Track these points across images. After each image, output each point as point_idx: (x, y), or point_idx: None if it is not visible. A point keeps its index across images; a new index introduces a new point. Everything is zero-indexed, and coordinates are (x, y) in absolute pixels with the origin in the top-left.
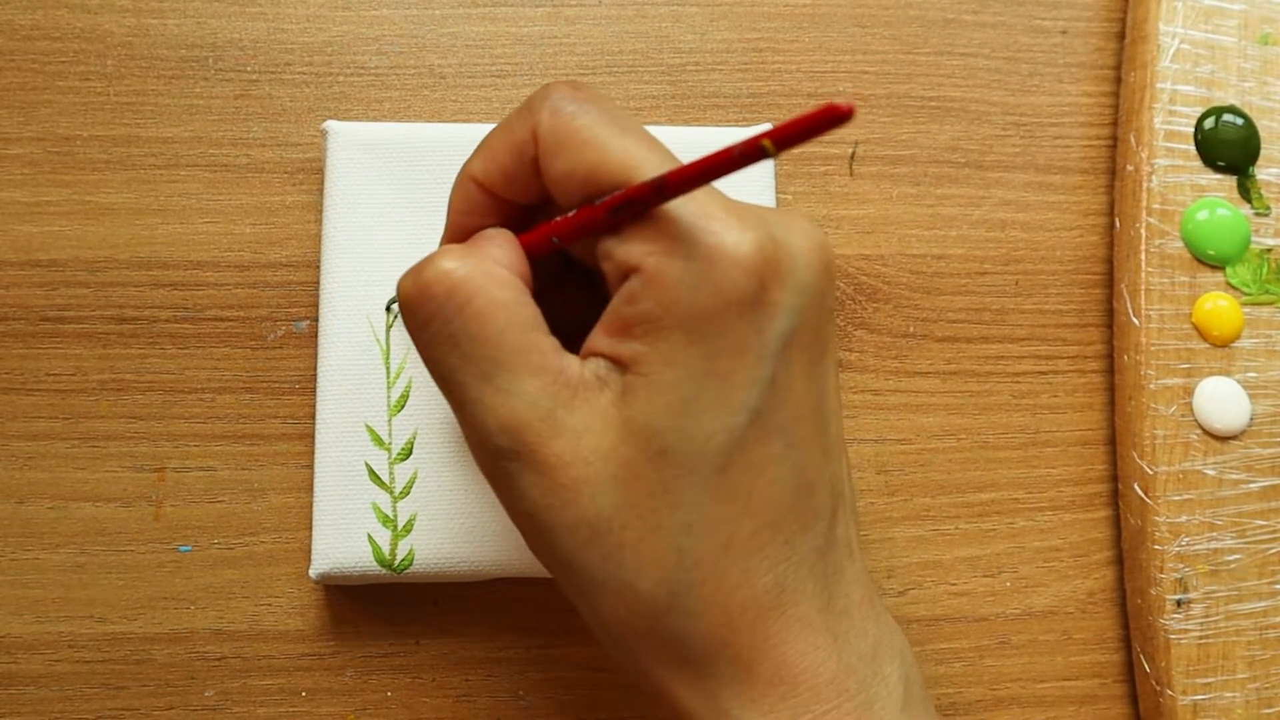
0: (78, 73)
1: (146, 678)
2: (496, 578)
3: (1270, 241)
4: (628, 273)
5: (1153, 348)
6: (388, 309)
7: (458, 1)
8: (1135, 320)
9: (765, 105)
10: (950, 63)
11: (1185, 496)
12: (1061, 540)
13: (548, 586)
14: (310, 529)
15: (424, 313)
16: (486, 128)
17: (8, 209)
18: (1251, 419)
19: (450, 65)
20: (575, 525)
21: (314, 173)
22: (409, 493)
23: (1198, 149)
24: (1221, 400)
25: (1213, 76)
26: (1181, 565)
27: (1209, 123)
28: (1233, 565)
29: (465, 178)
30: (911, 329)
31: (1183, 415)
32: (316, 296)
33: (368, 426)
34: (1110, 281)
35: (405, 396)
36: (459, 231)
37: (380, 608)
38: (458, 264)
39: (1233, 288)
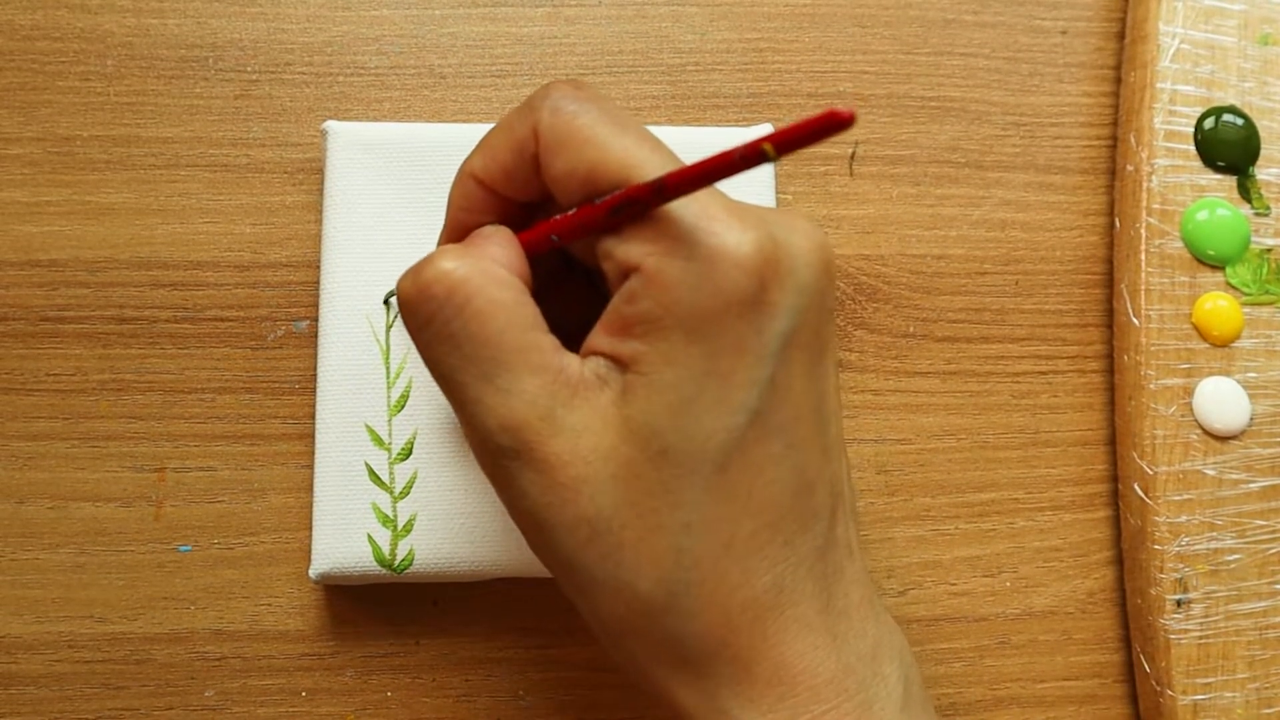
0: (78, 73)
1: (146, 678)
2: (496, 578)
3: (1270, 241)
4: (628, 272)
5: (1153, 348)
6: (385, 303)
7: (458, 1)
8: (1135, 320)
9: (765, 105)
10: (950, 63)
11: (1185, 496)
12: (1061, 540)
13: (548, 586)
14: (310, 529)
15: (424, 313)
16: (486, 128)
17: (8, 209)
18: (1251, 419)
19: (450, 65)
20: (575, 524)
21: (314, 173)
22: (409, 493)
23: (1198, 149)
24: (1221, 400)
25: (1213, 76)
26: (1181, 565)
27: (1209, 123)
28: (1233, 565)
29: (465, 174)
30: (911, 329)
31: (1183, 415)
32: (316, 296)
33: (368, 426)
34: (1110, 281)
35: (405, 396)
36: (458, 228)
37: (380, 608)
38: (457, 264)
39: (1233, 288)
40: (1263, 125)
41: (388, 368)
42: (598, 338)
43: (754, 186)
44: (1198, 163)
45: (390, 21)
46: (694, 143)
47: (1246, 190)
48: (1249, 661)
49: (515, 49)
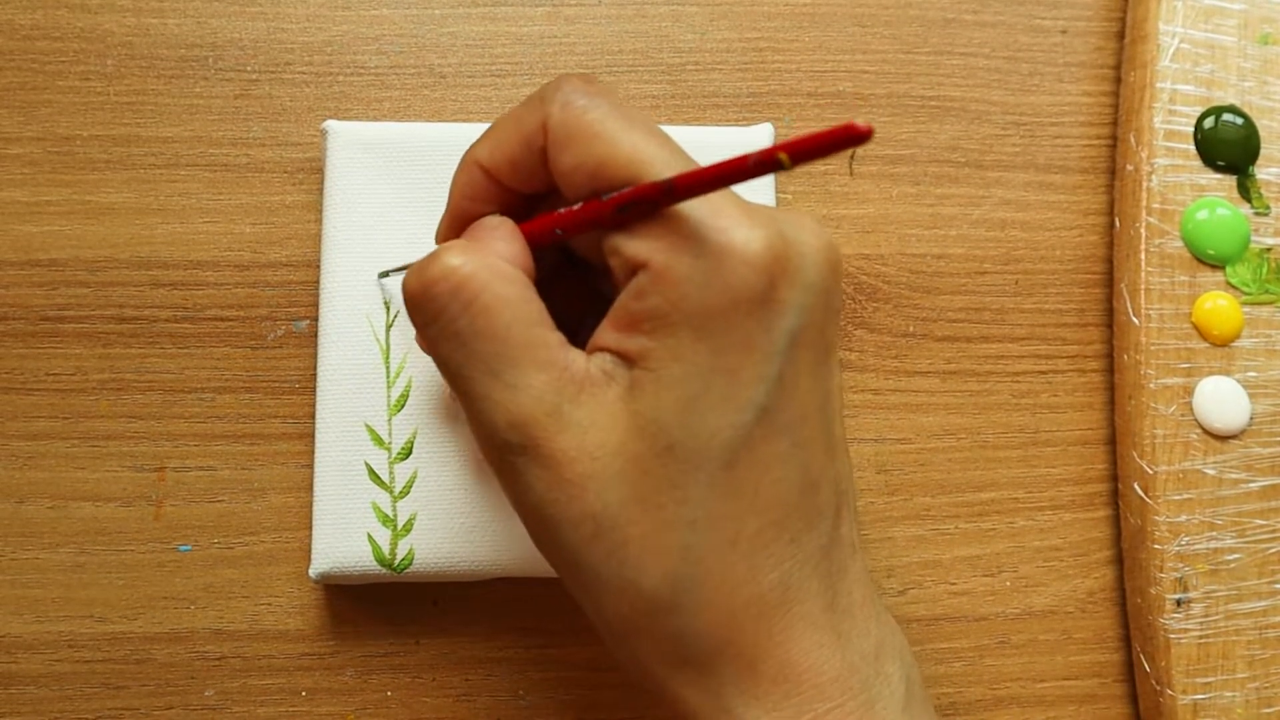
0: (78, 73)
1: (146, 678)
2: (496, 578)
3: (1270, 241)
4: (635, 268)
5: (1153, 347)
6: (381, 277)
7: (458, 1)
8: (1135, 320)
9: (765, 105)
10: (950, 63)
11: (1185, 496)
12: (1061, 540)
13: (548, 586)
14: (310, 529)
15: (430, 310)
16: (486, 127)
17: (8, 209)
18: (1251, 419)
19: (450, 65)
20: (580, 520)
21: (314, 173)
22: (409, 492)
23: (1198, 149)
24: (1221, 400)
25: (1213, 76)
26: (1181, 565)
27: (1209, 122)
28: (1233, 565)
29: (470, 163)
30: (911, 329)
31: (1183, 415)
32: (316, 296)
33: (368, 426)
34: (1110, 281)
35: (405, 396)
36: (460, 216)
37: (380, 608)
38: (463, 260)
39: (1233, 287)
40: (1263, 125)
41: (388, 367)
42: (604, 333)
43: (753, 186)
44: (1197, 162)
45: (390, 21)
46: (694, 142)
47: (1246, 190)
48: (1249, 661)
49: (515, 49)
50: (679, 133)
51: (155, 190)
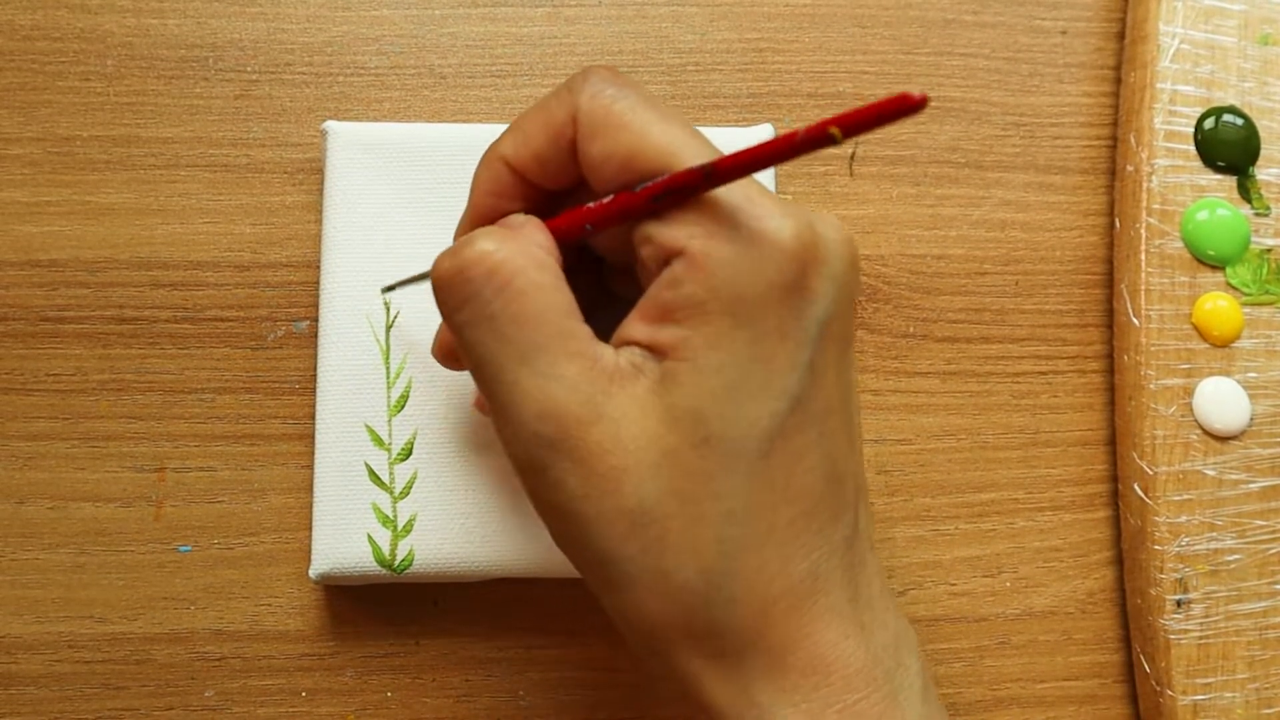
0: (78, 73)
1: (146, 678)
2: (496, 578)
3: (1270, 241)
4: (669, 257)
5: (1153, 348)
6: (384, 292)
7: (458, 1)
8: (1135, 320)
9: (765, 105)
10: (950, 63)
11: (1185, 496)
12: (1061, 540)
13: (548, 586)
14: (310, 529)
15: (462, 293)
16: (487, 127)
17: (8, 209)
18: (1251, 419)
19: (450, 65)
20: (615, 516)
21: (314, 173)
22: (409, 493)
23: (1198, 149)
24: (1221, 400)
25: (1213, 76)
26: (1181, 565)
27: (1209, 123)
28: (1233, 565)
29: (494, 158)
30: (911, 329)
31: (1183, 415)
32: (316, 296)
33: (368, 426)
34: (1110, 281)
35: (405, 396)
36: (483, 213)
37: (380, 608)
38: (498, 245)
39: (1233, 288)
40: (1263, 125)
41: (388, 368)
42: (632, 326)
43: None
44: (1198, 163)
45: (390, 21)
46: None
47: (1246, 190)
48: (1249, 661)
49: (515, 49)
50: None
51: (155, 190)
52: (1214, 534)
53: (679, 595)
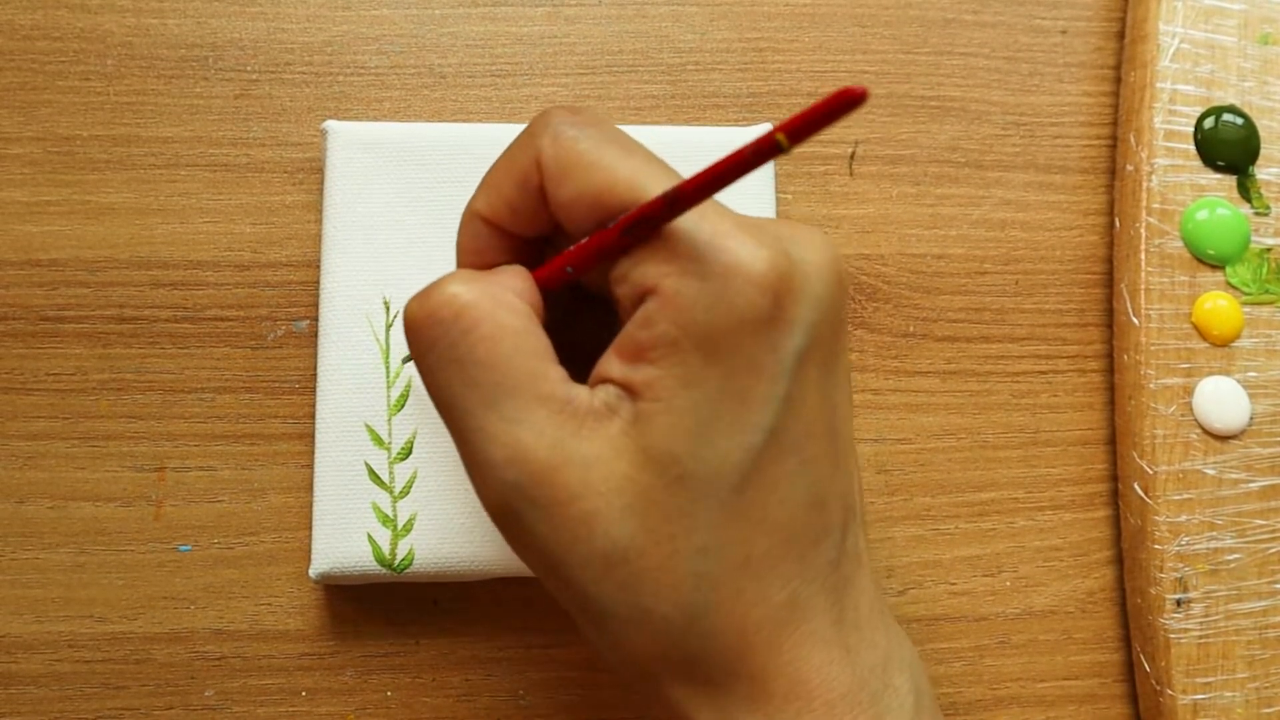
0: (78, 73)
1: (146, 678)
2: (496, 578)
3: (1270, 241)
4: (643, 295)
5: (1153, 347)
6: (404, 363)
7: (458, 1)
8: (1135, 320)
9: (765, 105)
10: (950, 63)
11: (1185, 496)
12: (1061, 540)
13: None
14: (310, 529)
15: (430, 336)
16: (487, 127)
17: (8, 209)
18: (1251, 419)
19: (450, 65)
20: (588, 559)
21: (314, 173)
22: (409, 492)
23: (1198, 149)
24: (1221, 400)
25: (1213, 76)
26: (1181, 565)
27: (1209, 122)
28: (1233, 565)
29: (470, 216)
30: (911, 329)
31: (1183, 415)
32: (316, 296)
33: (368, 426)
34: (1110, 281)
35: (405, 396)
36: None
37: (380, 608)
38: (465, 288)
39: (1233, 287)
40: (1263, 125)
41: (388, 367)
42: (609, 364)
43: (754, 188)
44: (1198, 162)
45: (390, 21)
46: (694, 143)
47: (1246, 190)
48: (1249, 661)
49: (515, 49)
50: (679, 133)
51: (155, 190)
52: (1214, 533)
53: (658, 629)
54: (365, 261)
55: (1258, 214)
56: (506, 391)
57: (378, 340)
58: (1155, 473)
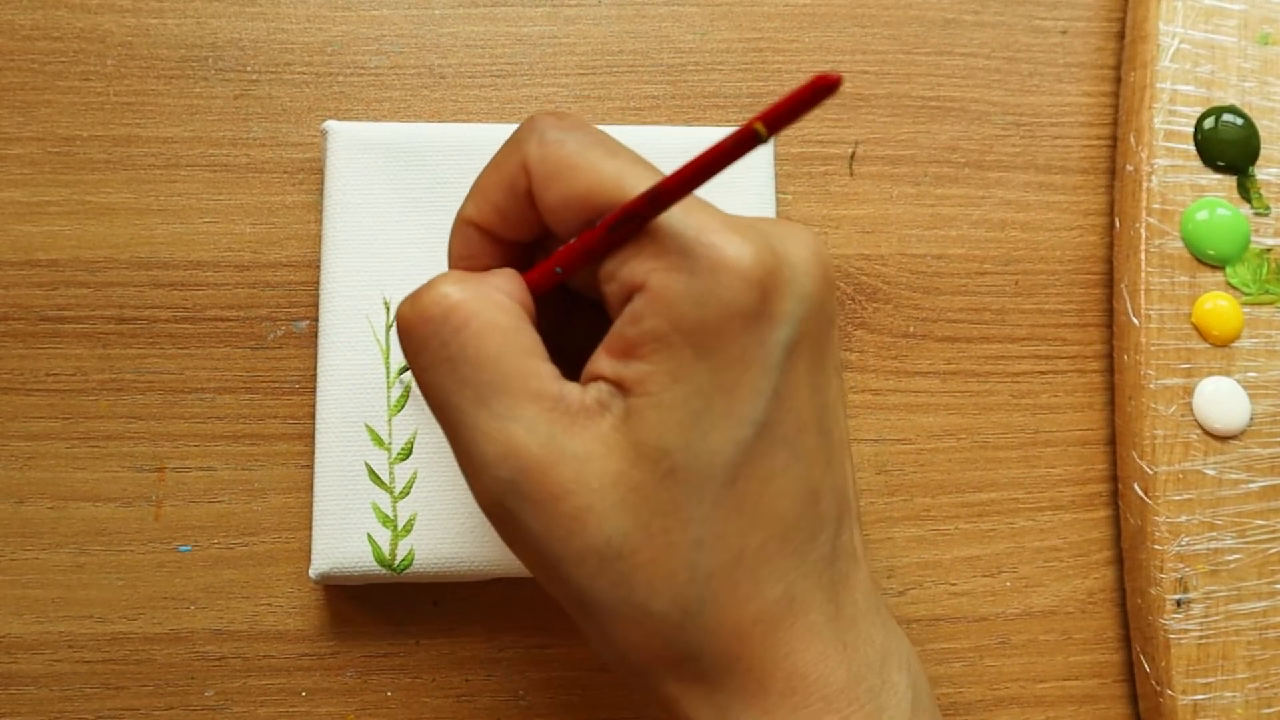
0: (78, 73)
1: (146, 678)
2: (496, 578)
3: (1270, 241)
4: (631, 293)
5: (1153, 348)
6: (400, 373)
7: (458, 1)
8: (1135, 320)
9: (765, 105)
10: (950, 63)
11: (1185, 496)
12: (1061, 540)
13: None
14: (310, 529)
15: (420, 336)
16: (487, 127)
17: (8, 209)
18: (1251, 419)
19: (450, 65)
20: (582, 555)
21: (314, 173)
22: (409, 493)
23: (1198, 149)
24: (1221, 400)
25: (1213, 76)
26: (1181, 565)
27: (1209, 123)
28: (1233, 565)
29: (461, 222)
30: (911, 329)
31: (1183, 415)
32: (316, 296)
33: (368, 426)
34: (1110, 281)
35: (405, 396)
36: None
37: (380, 608)
38: (456, 288)
39: (1233, 288)
40: (1263, 125)
41: (388, 368)
42: (599, 361)
43: (753, 187)
44: (1198, 162)
45: (390, 21)
46: (694, 143)
47: (1246, 190)
48: (1249, 661)
49: (515, 49)
50: (679, 133)
51: (155, 190)
52: (1214, 534)
53: (654, 625)
54: (365, 262)
55: (1258, 214)
56: (498, 389)
57: (378, 340)
58: (1155, 473)
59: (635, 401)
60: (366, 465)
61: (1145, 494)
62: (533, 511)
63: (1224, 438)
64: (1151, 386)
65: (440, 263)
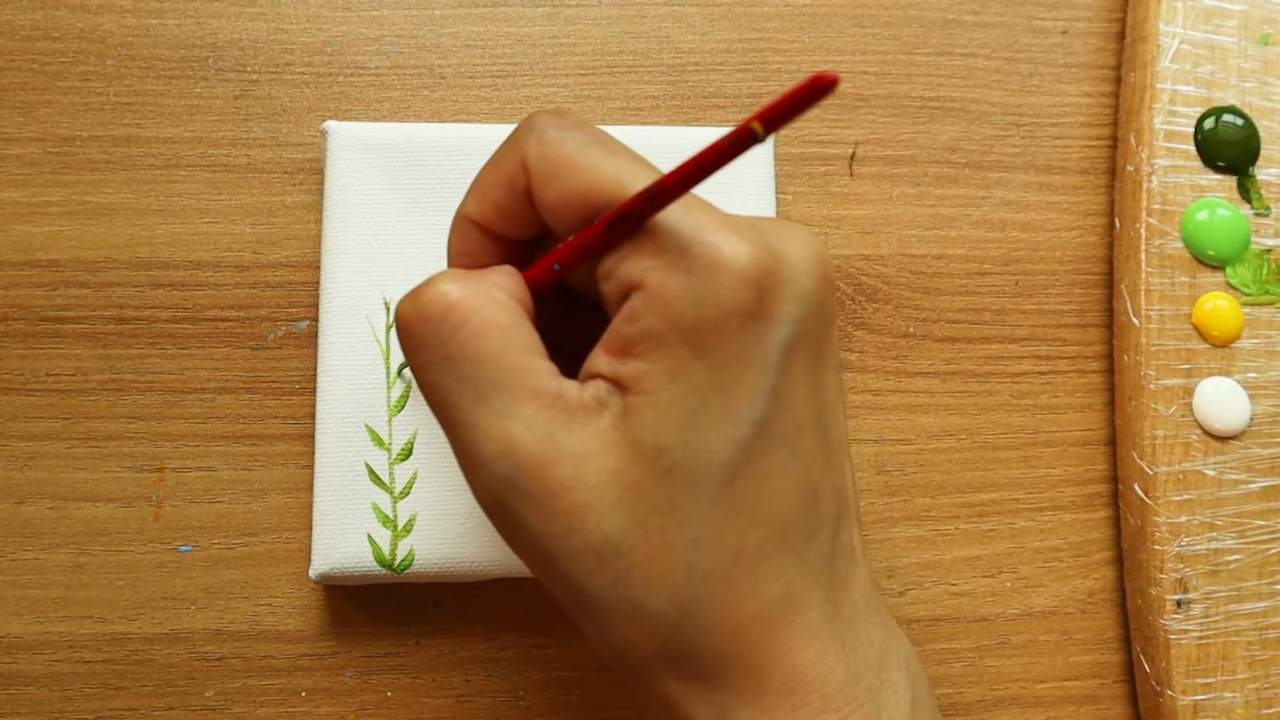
0: (78, 73)
1: (146, 678)
2: (496, 578)
3: (1270, 242)
4: (628, 291)
5: (1153, 348)
6: (400, 370)
7: (458, 1)
8: (1135, 320)
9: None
10: (950, 63)
11: (1185, 497)
12: (1061, 540)
13: None
14: (310, 529)
15: (420, 333)
16: (487, 127)
17: (8, 209)
18: (1251, 419)
19: (450, 65)
20: (581, 552)
21: (314, 173)
22: (409, 493)
23: (1198, 149)
24: (1221, 400)
25: (1213, 76)
26: (1181, 565)
27: (1209, 123)
28: (1233, 565)
29: (460, 219)
30: (911, 329)
31: (1183, 415)
32: (316, 296)
33: (368, 426)
34: (1110, 281)
35: (405, 396)
36: None
37: (380, 608)
38: (455, 286)
39: (1233, 288)
40: (1263, 125)
41: (388, 368)
42: (597, 360)
43: (753, 187)
44: (1198, 163)
45: (390, 21)
46: (694, 143)
47: (1246, 190)
48: (1249, 661)
49: (515, 49)
50: (679, 133)
51: (155, 190)
52: (1214, 534)
53: (652, 623)
54: (365, 262)
55: (1258, 214)
56: (496, 386)
57: (378, 341)
58: (1155, 473)
59: (633, 400)
60: (366, 465)
61: (1145, 494)
62: (531, 508)
63: (1224, 438)
64: (1151, 387)
65: (440, 263)
